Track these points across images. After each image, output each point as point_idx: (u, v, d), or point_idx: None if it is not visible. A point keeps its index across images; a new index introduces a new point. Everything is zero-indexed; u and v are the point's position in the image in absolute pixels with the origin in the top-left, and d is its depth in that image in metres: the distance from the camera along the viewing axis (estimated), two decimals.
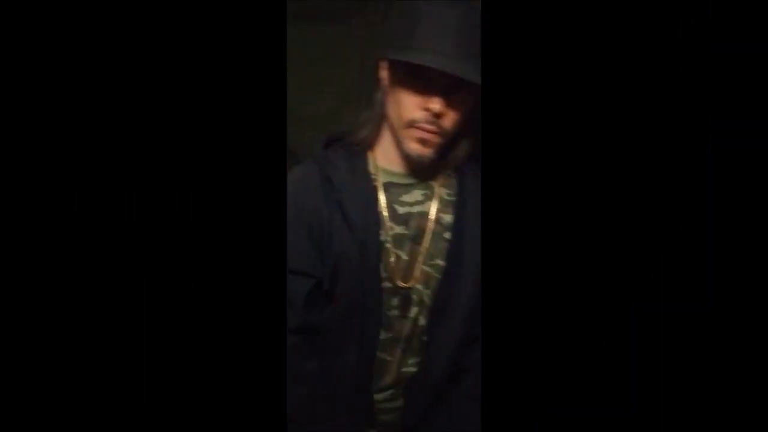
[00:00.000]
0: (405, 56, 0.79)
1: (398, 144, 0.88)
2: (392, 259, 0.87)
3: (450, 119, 0.83)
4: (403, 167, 0.91)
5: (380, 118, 0.89)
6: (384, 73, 0.87)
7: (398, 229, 0.88)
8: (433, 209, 0.89)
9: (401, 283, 0.87)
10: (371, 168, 0.91)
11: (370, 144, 0.92)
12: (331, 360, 0.89)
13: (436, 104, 0.81)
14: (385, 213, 0.88)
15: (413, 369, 0.90)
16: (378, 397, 0.91)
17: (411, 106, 0.83)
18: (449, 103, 0.82)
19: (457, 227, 0.89)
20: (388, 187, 0.90)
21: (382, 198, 0.88)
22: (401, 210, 0.89)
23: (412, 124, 0.83)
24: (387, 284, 0.87)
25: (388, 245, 0.87)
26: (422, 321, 0.89)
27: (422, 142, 0.84)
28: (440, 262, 0.88)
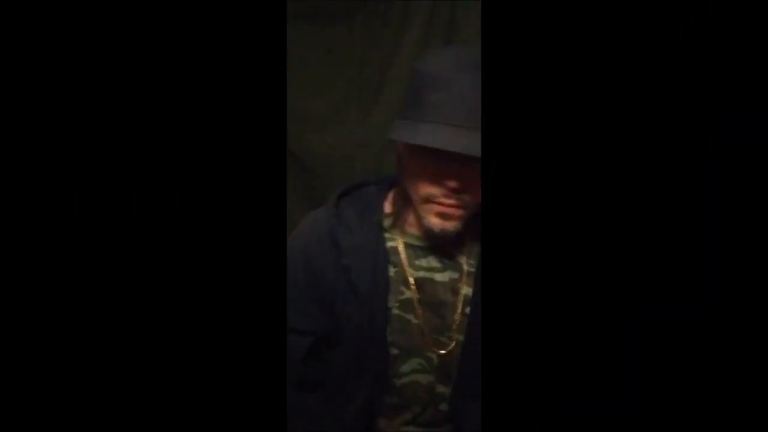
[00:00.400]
0: (414, 134, 0.72)
1: (419, 217, 0.81)
2: (404, 325, 0.82)
3: (472, 192, 0.76)
4: (424, 236, 0.84)
5: (402, 194, 0.82)
6: (398, 145, 0.80)
7: (408, 294, 0.82)
8: (449, 277, 0.83)
9: (432, 351, 0.82)
10: (386, 224, 0.84)
11: (387, 197, 0.86)
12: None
13: (452, 182, 0.74)
14: (398, 277, 0.82)
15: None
16: None
17: (427, 182, 0.76)
18: (469, 176, 0.74)
19: (475, 300, 0.82)
20: (405, 248, 0.83)
21: (396, 259, 0.82)
22: (415, 275, 0.83)
23: (430, 200, 0.77)
24: (395, 351, 0.82)
25: (397, 312, 0.82)
26: (440, 389, 0.84)
27: (443, 216, 0.77)
28: (458, 336, 0.83)
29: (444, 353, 0.82)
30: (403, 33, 1.33)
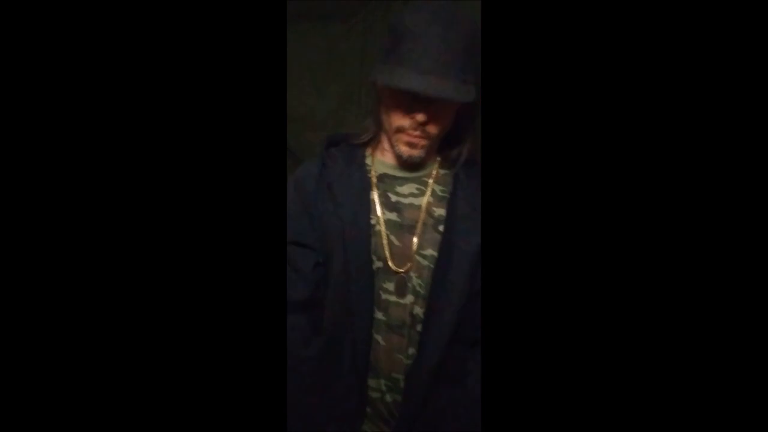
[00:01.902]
0: (388, 78, 0.86)
1: (392, 145, 0.96)
2: (385, 242, 0.92)
3: (435, 125, 0.91)
4: (397, 163, 0.98)
5: (378, 124, 0.97)
6: (378, 85, 0.93)
7: (390, 216, 0.94)
8: (425, 201, 0.95)
9: (395, 268, 0.92)
10: (368, 161, 0.99)
11: (369, 144, 0.99)
12: (328, 342, 0.92)
13: (419, 116, 0.89)
14: (378, 200, 0.95)
15: (409, 361, 0.92)
16: (372, 383, 0.93)
17: (398, 116, 0.91)
18: (433, 111, 0.89)
19: (449, 221, 0.94)
20: (382, 177, 0.97)
21: (375, 187, 0.95)
22: (394, 198, 0.95)
23: (400, 130, 0.92)
24: (379, 264, 0.92)
25: (379, 229, 0.93)
26: (417, 310, 0.92)
27: (410, 145, 0.92)
28: (432, 253, 0.93)
29: (405, 270, 0.92)
30: None
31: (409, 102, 0.88)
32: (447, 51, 0.85)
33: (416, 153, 0.93)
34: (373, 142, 0.99)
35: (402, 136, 0.92)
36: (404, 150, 0.93)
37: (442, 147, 0.98)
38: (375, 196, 0.95)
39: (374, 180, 0.96)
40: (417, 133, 0.91)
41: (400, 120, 0.91)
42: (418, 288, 0.92)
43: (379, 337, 0.92)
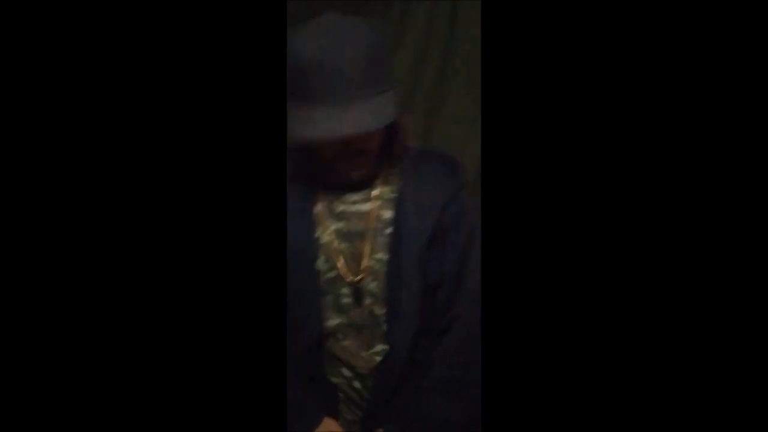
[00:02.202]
0: (302, 128, 0.80)
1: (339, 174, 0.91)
2: (335, 252, 0.92)
3: (370, 147, 0.87)
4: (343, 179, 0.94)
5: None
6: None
7: (338, 225, 0.93)
8: (370, 207, 0.93)
9: (351, 278, 0.92)
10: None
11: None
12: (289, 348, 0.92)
13: (352, 154, 0.84)
14: (323, 211, 0.93)
15: (378, 357, 0.93)
16: (339, 381, 0.95)
17: (328, 152, 0.86)
18: (363, 140, 0.84)
19: (397, 221, 0.92)
20: (329, 187, 0.93)
21: (319, 200, 0.93)
22: (340, 207, 0.93)
23: (336, 160, 0.87)
24: (331, 274, 0.92)
25: (326, 240, 0.92)
26: (378, 311, 0.92)
27: (351, 169, 0.89)
28: (383, 256, 0.92)
29: (359, 279, 0.92)
30: (403, 33, 1.33)
31: (332, 145, 0.83)
32: (363, 64, 0.80)
33: (361, 174, 0.90)
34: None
35: (340, 164, 0.88)
36: (347, 174, 0.89)
37: (377, 163, 0.93)
38: (320, 208, 0.93)
39: (318, 193, 0.93)
40: (357, 159, 0.87)
41: (331, 156, 0.86)
42: (375, 290, 0.92)
43: (344, 342, 0.94)
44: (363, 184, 0.94)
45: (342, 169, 0.89)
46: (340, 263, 0.92)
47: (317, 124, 0.80)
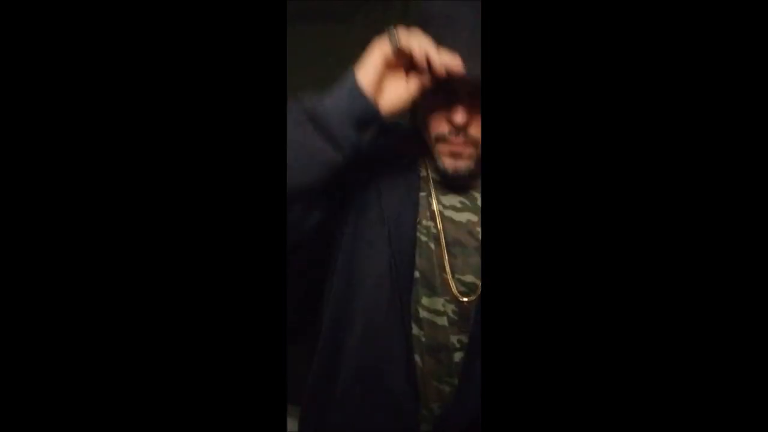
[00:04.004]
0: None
1: (435, 162, 0.82)
2: (433, 251, 0.82)
3: (479, 127, 0.77)
4: (442, 179, 0.85)
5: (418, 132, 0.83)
6: None
7: (429, 224, 0.83)
8: (467, 218, 0.83)
9: (459, 296, 0.81)
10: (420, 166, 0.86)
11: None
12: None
13: (459, 117, 0.75)
14: (423, 203, 0.83)
15: (447, 389, 0.84)
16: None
17: (434, 121, 0.78)
18: (475, 111, 0.76)
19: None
20: (433, 181, 0.85)
21: (426, 187, 0.84)
22: (434, 206, 0.84)
23: (440, 139, 0.79)
24: (417, 273, 0.82)
25: (424, 238, 0.82)
26: (453, 339, 0.83)
27: (454, 155, 0.79)
28: (475, 280, 0.82)
29: (466, 301, 0.81)
30: None
31: (445, 100, 0.76)
32: (473, 28, 0.72)
33: (463, 165, 0.79)
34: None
35: (442, 146, 0.79)
36: (448, 164, 0.79)
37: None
38: (421, 197, 0.82)
39: (425, 180, 0.83)
40: (460, 139, 0.77)
41: (437, 127, 0.78)
42: (449, 312, 0.83)
43: (417, 358, 0.83)
44: (461, 185, 0.83)
45: (444, 153, 0.78)
46: (447, 273, 0.81)
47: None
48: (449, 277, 0.82)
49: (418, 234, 0.82)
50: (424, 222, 0.83)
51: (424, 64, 0.71)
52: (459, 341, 0.82)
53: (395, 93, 0.75)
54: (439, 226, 0.83)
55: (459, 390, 0.82)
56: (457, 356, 0.82)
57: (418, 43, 0.70)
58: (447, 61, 0.70)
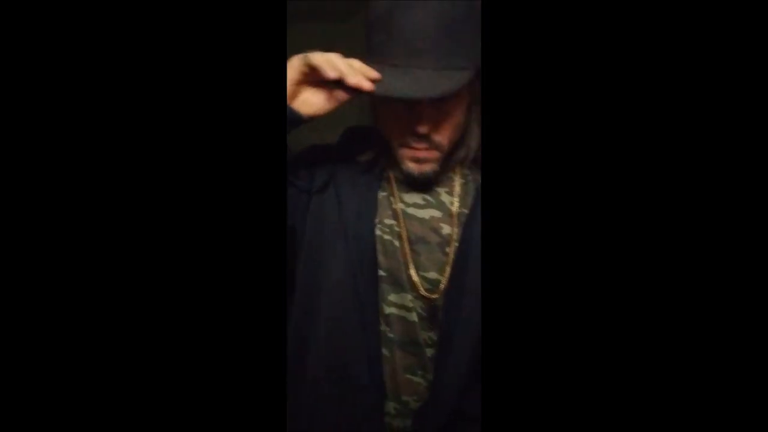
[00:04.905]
0: (380, 86, 0.73)
1: (398, 166, 0.83)
2: (399, 248, 0.83)
3: (443, 133, 0.79)
4: (408, 182, 0.86)
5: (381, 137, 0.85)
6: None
7: (391, 222, 0.84)
8: (429, 215, 0.84)
9: (425, 293, 0.82)
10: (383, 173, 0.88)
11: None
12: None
13: (422, 128, 0.77)
14: (383, 201, 0.85)
15: (423, 383, 0.84)
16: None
17: (396, 128, 0.79)
18: (435, 116, 0.77)
19: (464, 242, 0.82)
20: (395, 180, 0.86)
21: (387, 186, 0.85)
22: (397, 205, 0.85)
23: (404, 145, 0.80)
24: (380, 272, 0.84)
25: (379, 233, 0.84)
26: (424, 335, 0.83)
27: (418, 161, 0.80)
28: (437, 276, 0.84)
29: (432, 297, 0.82)
30: None
31: (408, 109, 0.77)
32: (445, 30, 0.73)
33: (428, 168, 0.80)
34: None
35: (406, 151, 0.80)
36: (413, 168, 0.81)
37: (445, 159, 0.83)
38: (380, 196, 0.84)
39: (386, 179, 0.85)
40: (423, 145, 0.79)
41: (400, 135, 0.79)
42: (416, 307, 0.84)
43: (385, 351, 0.84)
44: (425, 184, 0.84)
45: (407, 158, 0.80)
46: (412, 270, 0.82)
47: (399, 78, 0.73)
48: (414, 273, 0.83)
49: (380, 233, 0.84)
50: (386, 221, 0.85)
51: (332, 77, 0.74)
52: (429, 338, 0.84)
53: (312, 100, 0.79)
54: (402, 224, 0.84)
55: (434, 386, 0.82)
56: (429, 352, 0.84)
57: (326, 60, 0.75)
58: (357, 78, 0.74)
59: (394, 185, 0.86)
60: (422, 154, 0.79)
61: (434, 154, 0.80)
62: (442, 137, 0.79)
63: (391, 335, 0.84)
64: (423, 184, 0.85)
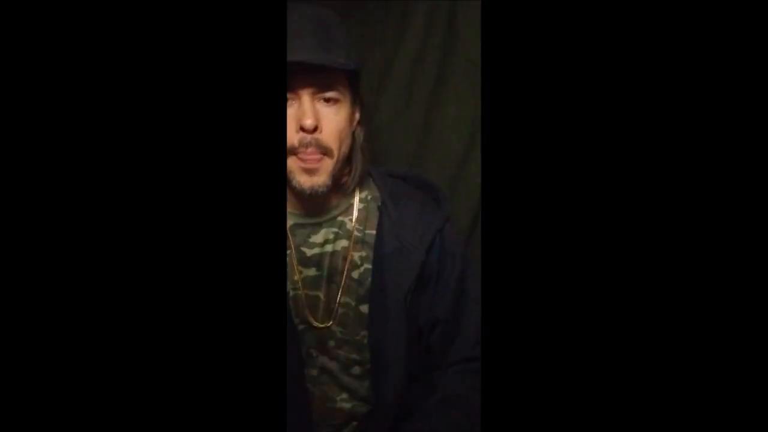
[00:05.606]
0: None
1: (289, 182, 0.81)
2: (305, 300, 0.85)
3: (330, 132, 0.79)
4: (303, 206, 0.86)
5: None
6: None
7: (309, 272, 0.86)
8: (341, 246, 0.86)
9: (316, 323, 0.85)
10: None
11: None
12: None
13: (308, 120, 0.77)
14: (294, 257, 0.84)
15: (363, 409, 0.88)
16: None
17: (288, 134, 0.78)
18: (323, 113, 0.78)
19: (376, 263, 0.84)
20: (294, 229, 0.86)
21: (288, 243, 0.84)
22: (310, 252, 0.86)
23: (292, 152, 0.79)
24: (301, 326, 0.86)
25: (296, 291, 0.85)
26: (349, 356, 0.86)
27: (309, 172, 0.79)
28: (351, 301, 0.86)
29: (322, 327, 0.85)
30: (403, 33, 1.33)
31: (293, 103, 0.77)
32: (329, 30, 0.78)
33: (320, 181, 0.80)
34: None
35: (295, 161, 0.78)
36: (304, 181, 0.79)
37: (337, 173, 0.83)
38: (289, 255, 0.84)
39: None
40: (311, 150, 0.78)
41: (288, 137, 0.77)
42: (343, 336, 0.86)
43: (314, 389, 0.88)
44: (320, 207, 0.84)
45: (298, 170, 0.79)
46: (309, 310, 0.85)
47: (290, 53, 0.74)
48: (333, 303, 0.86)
49: (291, 292, 0.84)
50: (298, 270, 0.86)
51: None
52: (354, 360, 0.87)
53: None
54: (315, 270, 0.86)
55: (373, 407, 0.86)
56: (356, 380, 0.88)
57: None
58: None
59: (297, 233, 0.85)
60: (312, 164, 0.79)
61: (325, 164, 0.80)
62: (329, 140, 0.79)
63: (314, 373, 0.88)
64: (314, 202, 0.84)
